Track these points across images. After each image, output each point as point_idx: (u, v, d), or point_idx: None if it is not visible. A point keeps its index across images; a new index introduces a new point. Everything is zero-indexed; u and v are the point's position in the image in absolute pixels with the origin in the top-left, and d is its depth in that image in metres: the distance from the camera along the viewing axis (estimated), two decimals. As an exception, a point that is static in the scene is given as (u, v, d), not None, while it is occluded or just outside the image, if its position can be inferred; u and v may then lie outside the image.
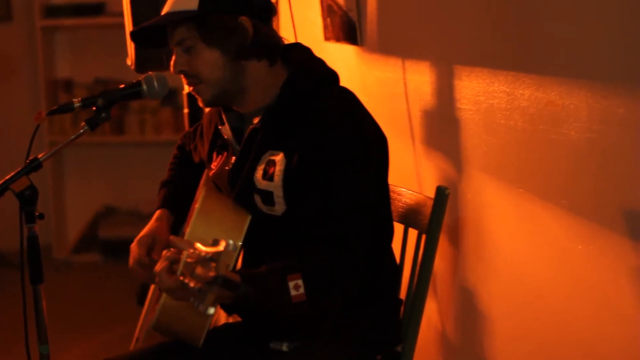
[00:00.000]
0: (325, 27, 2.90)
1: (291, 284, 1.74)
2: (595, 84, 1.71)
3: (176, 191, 2.23)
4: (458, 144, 2.27)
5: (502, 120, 2.06)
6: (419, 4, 2.41)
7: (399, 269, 2.13)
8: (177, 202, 2.20)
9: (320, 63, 2.00)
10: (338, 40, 2.72)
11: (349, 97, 1.93)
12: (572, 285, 1.85)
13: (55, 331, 2.18)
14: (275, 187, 1.89)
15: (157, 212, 2.18)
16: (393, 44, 2.56)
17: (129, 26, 2.80)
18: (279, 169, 1.88)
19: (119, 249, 4.97)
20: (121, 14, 3.06)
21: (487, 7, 2.10)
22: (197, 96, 1.98)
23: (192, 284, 1.42)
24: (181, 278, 1.48)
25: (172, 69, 1.97)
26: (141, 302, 4.24)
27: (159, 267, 1.71)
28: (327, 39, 2.92)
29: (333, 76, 1.99)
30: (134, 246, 2.07)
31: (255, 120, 1.96)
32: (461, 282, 2.32)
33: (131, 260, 2.05)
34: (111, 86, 5.22)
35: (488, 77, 2.11)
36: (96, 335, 4.10)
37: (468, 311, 2.31)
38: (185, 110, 3.37)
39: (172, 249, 1.74)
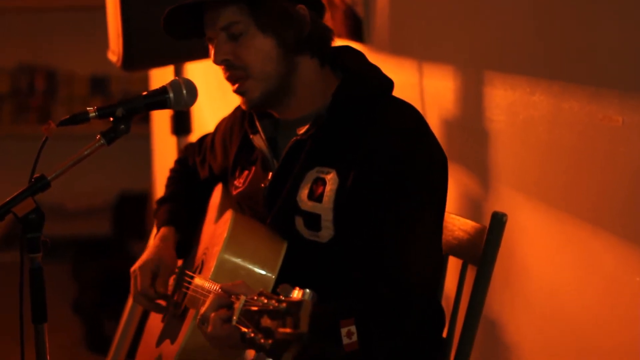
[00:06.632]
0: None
1: (343, 331, 1.54)
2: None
3: (182, 208, 2.03)
4: (486, 158, 2.13)
5: (543, 134, 1.95)
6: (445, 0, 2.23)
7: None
8: (184, 219, 2.01)
9: (376, 70, 1.81)
10: (339, 36, 2.48)
11: (413, 111, 1.76)
12: (624, 322, 1.75)
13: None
14: (324, 209, 1.69)
15: (162, 230, 1.98)
16: (408, 44, 2.40)
17: (114, 11, 2.43)
18: (329, 188, 1.68)
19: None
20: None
21: (533, 5, 1.95)
22: (241, 96, 1.77)
23: (262, 339, 1.20)
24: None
25: (212, 57, 1.74)
26: (76, 309, 3.97)
27: (208, 310, 1.50)
28: (324, 34, 2.68)
29: (390, 85, 1.80)
30: (136, 272, 1.89)
31: (300, 131, 1.76)
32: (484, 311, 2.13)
33: (133, 289, 1.89)
34: (38, 71, 5.01)
35: (528, 86, 1.99)
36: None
37: (491, 346, 2.15)
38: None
39: (217, 292, 1.54)
